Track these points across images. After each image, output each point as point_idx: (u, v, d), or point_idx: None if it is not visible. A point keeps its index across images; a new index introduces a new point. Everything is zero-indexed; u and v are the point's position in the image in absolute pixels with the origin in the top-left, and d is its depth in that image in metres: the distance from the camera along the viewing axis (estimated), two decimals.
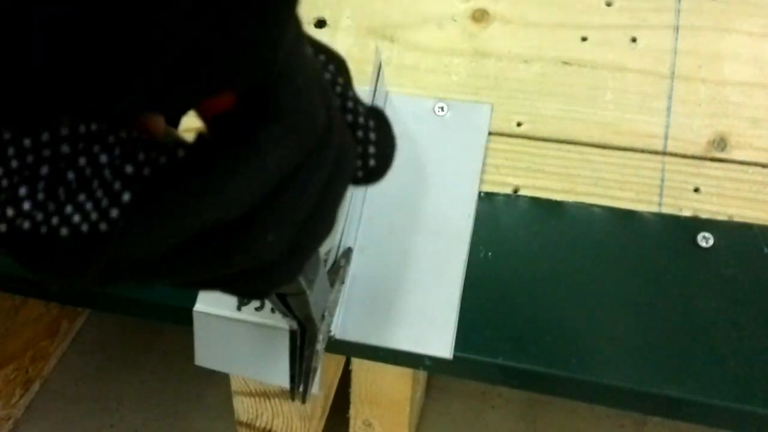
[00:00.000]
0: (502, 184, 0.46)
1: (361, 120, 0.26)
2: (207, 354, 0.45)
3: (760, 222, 0.43)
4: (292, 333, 0.39)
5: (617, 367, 0.40)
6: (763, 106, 0.46)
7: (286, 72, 0.20)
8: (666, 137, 0.46)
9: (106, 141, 0.20)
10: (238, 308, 0.43)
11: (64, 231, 0.19)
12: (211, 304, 0.43)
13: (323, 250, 0.40)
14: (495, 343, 0.42)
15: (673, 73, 0.48)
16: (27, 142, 0.19)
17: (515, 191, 0.46)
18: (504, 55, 0.50)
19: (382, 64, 0.45)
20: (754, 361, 0.40)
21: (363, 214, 0.45)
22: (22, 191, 0.19)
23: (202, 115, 0.21)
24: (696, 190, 0.44)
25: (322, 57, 0.26)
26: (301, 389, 0.40)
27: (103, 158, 0.19)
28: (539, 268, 0.43)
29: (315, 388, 0.44)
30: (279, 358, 0.43)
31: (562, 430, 0.87)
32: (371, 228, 0.45)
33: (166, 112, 0.23)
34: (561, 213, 0.45)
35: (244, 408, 0.56)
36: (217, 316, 0.43)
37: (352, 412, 0.62)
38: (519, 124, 0.48)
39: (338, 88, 0.26)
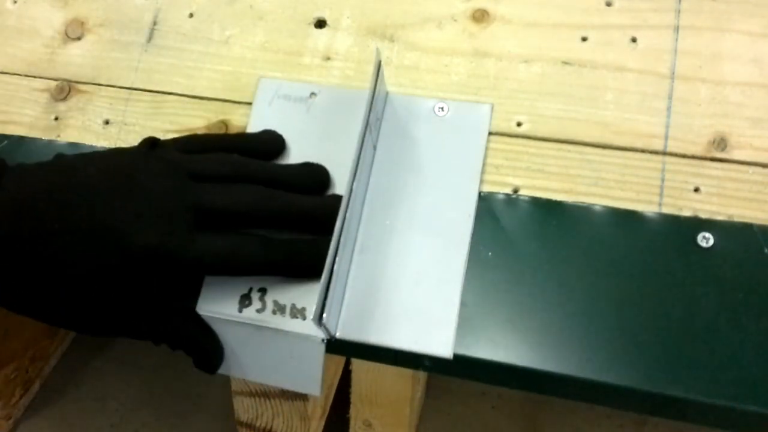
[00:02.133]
0: (502, 184, 0.46)
1: None
2: None
3: (760, 222, 0.43)
4: None
5: (617, 367, 0.40)
6: (763, 106, 0.46)
7: None
8: (666, 137, 0.46)
9: None
10: (240, 310, 0.43)
11: None
12: (213, 306, 0.43)
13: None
14: (495, 343, 0.42)
15: (673, 73, 0.48)
16: None
17: (515, 191, 0.46)
18: (504, 55, 0.50)
19: (382, 64, 0.45)
20: (754, 361, 0.40)
21: (363, 214, 0.45)
22: None
23: None
24: (696, 190, 0.44)
25: None
26: None
27: None
28: (539, 268, 0.43)
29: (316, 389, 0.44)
30: (281, 360, 0.43)
31: (562, 430, 0.88)
32: (371, 228, 0.45)
33: None
34: (561, 213, 0.45)
35: (244, 408, 0.56)
36: (219, 319, 0.43)
37: (352, 412, 0.62)
38: (519, 124, 0.48)
39: None
